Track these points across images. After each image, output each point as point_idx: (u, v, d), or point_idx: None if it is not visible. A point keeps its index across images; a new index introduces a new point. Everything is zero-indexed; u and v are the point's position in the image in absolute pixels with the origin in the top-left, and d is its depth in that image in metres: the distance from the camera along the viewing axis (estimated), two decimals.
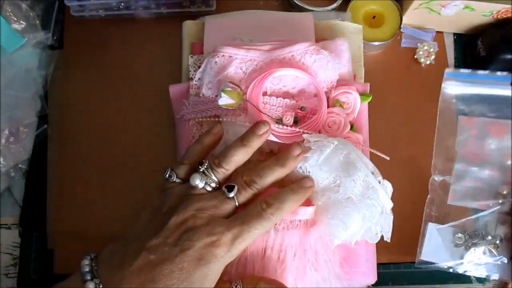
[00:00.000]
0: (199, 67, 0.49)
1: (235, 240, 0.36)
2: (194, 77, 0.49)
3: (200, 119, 0.47)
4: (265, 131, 0.40)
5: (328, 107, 0.46)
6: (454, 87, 0.49)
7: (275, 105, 0.46)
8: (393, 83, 0.59)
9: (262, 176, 0.39)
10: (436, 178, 0.47)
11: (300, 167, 0.41)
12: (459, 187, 0.46)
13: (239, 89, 0.44)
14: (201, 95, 0.48)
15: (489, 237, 0.44)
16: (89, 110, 0.57)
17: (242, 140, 0.40)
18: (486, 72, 0.46)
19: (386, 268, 0.53)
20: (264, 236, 0.42)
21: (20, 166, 0.56)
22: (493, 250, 0.44)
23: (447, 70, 0.48)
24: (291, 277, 0.41)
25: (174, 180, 0.39)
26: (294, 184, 0.40)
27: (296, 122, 0.46)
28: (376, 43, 0.59)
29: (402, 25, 0.60)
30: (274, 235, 0.41)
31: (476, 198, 0.46)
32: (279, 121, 0.46)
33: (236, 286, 0.38)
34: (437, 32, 0.62)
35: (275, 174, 0.39)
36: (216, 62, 0.47)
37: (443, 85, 0.49)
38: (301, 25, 0.51)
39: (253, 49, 0.47)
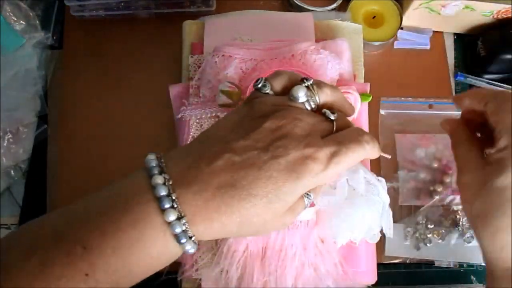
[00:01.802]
0: (199, 67, 0.49)
1: (332, 158, 0.32)
2: (194, 77, 0.49)
3: (200, 119, 0.47)
4: None
5: None
6: (388, 111, 0.58)
7: None
8: (393, 83, 0.59)
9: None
10: (387, 185, 0.54)
11: None
12: (405, 190, 0.55)
13: (237, 89, 0.44)
14: (201, 95, 0.48)
15: (431, 226, 0.53)
16: (89, 110, 0.57)
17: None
18: (410, 98, 0.58)
19: (386, 268, 0.53)
20: (265, 236, 0.42)
21: (20, 166, 0.56)
22: (436, 237, 0.53)
23: (382, 98, 0.57)
24: (291, 276, 0.41)
25: (267, 91, 0.35)
26: None
27: None
28: (376, 43, 0.59)
29: (401, 26, 0.60)
30: (275, 235, 0.42)
31: (418, 197, 0.55)
32: None
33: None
34: (437, 32, 0.62)
35: None
36: (216, 61, 0.47)
37: (380, 110, 0.57)
38: (301, 25, 0.51)
39: (253, 49, 0.47)
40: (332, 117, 0.34)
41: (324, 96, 0.35)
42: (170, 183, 0.30)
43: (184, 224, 0.29)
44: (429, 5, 0.57)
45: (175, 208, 0.29)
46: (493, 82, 0.60)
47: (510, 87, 0.60)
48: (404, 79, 0.60)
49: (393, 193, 0.55)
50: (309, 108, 0.35)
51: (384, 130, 0.57)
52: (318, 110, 0.35)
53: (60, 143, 0.56)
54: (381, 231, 0.43)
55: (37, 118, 0.57)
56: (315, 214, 0.43)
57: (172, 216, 0.29)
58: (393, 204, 0.55)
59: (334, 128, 0.34)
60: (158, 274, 0.47)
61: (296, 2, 0.59)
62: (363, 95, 0.48)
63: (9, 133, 0.55)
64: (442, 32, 0.63)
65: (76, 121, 0.57)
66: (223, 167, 0.31)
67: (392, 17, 0.60)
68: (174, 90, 0.51)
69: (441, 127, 0.42)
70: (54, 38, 0.60)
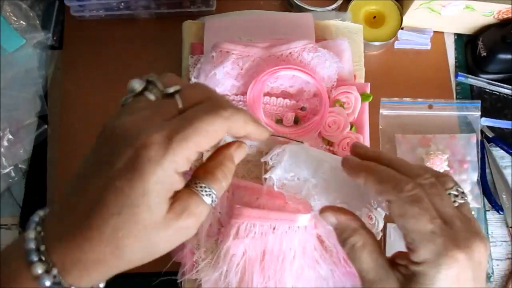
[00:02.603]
0: None
1: (172, 137, 0.27)
2: (193, 74, 0.49)
3: None
4: None
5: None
6: (389, 111, 0.58)
7: (275, 105, 0.46)
8: (394, 83, 0.59)
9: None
10: None
11: (274, 183, 0.41)
12: None
13: None
14: None
15: None
16: (89, 110, 0.57)
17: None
18: (410, 98, 0.57)
19: None
20: (263, 240, 0.42)
21: (20, 166, 0.56)
22: None
23: (382, 99, 0.57)
24: (290, 278, 0.41)
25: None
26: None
27: (296, 122, 0.46)
28: (376, 43, 0.59)
29: (401, 26, 0.60)
30: (273, 239, 0.42)
31: None
32: (279, 121, 0.46)
33: (195, 184, 0.30)
34: (438, 32, 0.62)
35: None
36: (213, 56, 0.47)
37: (380, 110, 0.57)
38: (301, 25, 0.51)
39: (251, 45, 0.47)
40: (171, 90, 0.30)
41: (168, 81, 0.31)
42: (42, 234, 0.28)
43: (55, 276, 0.27)
44: (430, 5, 0.57)
45: (43, 261, 0.27)
46: (493, 82, 0.60)
47: (510, 87, 0.60)
48: (404, 79, 0.60)
49: None
50: (153, 97, 0.31)
51: (384, 130, 0.57)
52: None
53: (60, 143, 0.56)
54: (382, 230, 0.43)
55: (37, 118, 0.57)
56: (314, 218, 0.43)
57: (39, 269, 0.26)
58: None
59: (180, 105, 0.30)
60: (156, 274, 0.48)
61: (296, 2, 0.59)
62: (363, 95, 0.48)
63: (9, 133, 0.55)
64: (442, 32, 0.63)
65: (76, 121, 0.57)
66: (77, 201, 0.28)
67: (393, 17, 0.60)
68: None
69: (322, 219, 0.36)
70: (54, 38, 0.60)
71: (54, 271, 0.27)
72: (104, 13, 0.60)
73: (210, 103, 0.30)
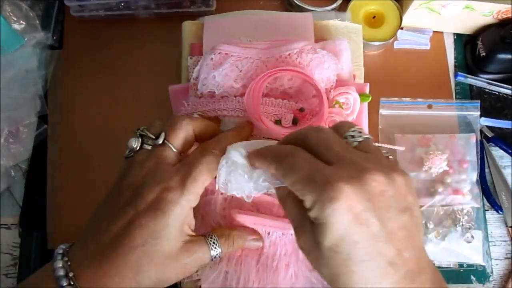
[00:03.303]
0: None
1: (185, 180, 0.35)
2: (192, 76, 0.49)
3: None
4: None
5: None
6: (388, 111, 0.58)
7: (274, 106, 0.46)
8: (393, 83, 0.59)
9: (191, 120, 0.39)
10: None
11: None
12: None
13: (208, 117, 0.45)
14: (199, 93, 0.48)
15: (431, 226, 0.53)
16: (89, 110, 0.57)
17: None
18: (410, 98, 0.57)
19: None
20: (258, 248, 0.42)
21: (20, 166, 0.56)
22: (436, 237, 0.53)
23: (382, 99, 0.57)
24: (284, 283, 0.42)
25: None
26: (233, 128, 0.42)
27: (295, 123, 0.46)
28: (376, 43, 0.59)
29: (401, 26, 0.60)
30: (268, 244, 0.42)
31: (418, 197, 0.53)
32: (278, 122, 0.46)
33: (210, 238, 0.38)
34: (437, 32, 0.62)
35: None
36: (212, 58, 0.47)
37: (380, 110, 0.57)
38: (300, 25, 0.51)
39: (249, 47, 0.47)
40: (160, 141, 0.37)
41: (158, 128, 0.38)
42: (69, 263, 0.33)
43: None
44: (429, 5, 0.57)
45: (72, 285, 0.32)
46: (493, 82, 0.60)
47: (510, 87, 0.60)
48: (404, 79, 0.60)
49: None
50: (150, 148, 0.38)
51: (384, 130, 0.57)
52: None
53: (60, 143, 0.56)
54: None
55: (37, 118, 0.57)
56: None
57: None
58: None
59: (174, 149, 0.37)
60: None
61: (296, 2, 0.59)
62: (362, 95, 0.48)
63: (9, 133, 0.55)
64: (442, 32, 0.63)
65: (76, 121, 0.57)
66: (101, 237, 0.34)
67: (392, 17, 0.60)
68: (173, 90, 0.51)
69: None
70: (54, 38, 0.60)
71: None
72: (104, 13, 0.60)
73: (203, 146, 0.38)
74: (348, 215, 0.28)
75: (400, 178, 0.31)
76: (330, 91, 0.47)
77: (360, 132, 0.33)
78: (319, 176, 0.29)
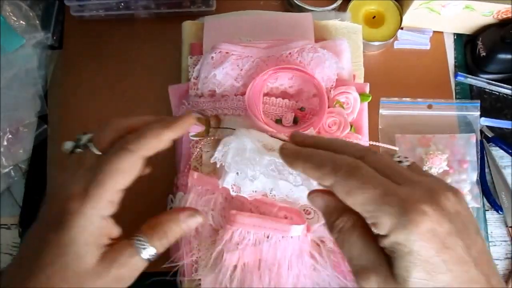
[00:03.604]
0: None
1: (88, 186, 0.31)
2: (193, 75, 0.49)
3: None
4: None
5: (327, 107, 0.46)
6: (388, 111, 0.58)
7: (274, 105, 0.46)
8: (393, 83, 0.59)
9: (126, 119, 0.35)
10: None
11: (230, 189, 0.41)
12: None
13: (204, 116, 0.45)
14: (199, 92, 0.48)
15: None
16: (89, 110, 0.57)
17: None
18: (410, 98, 0.57)
19: None
20: (258, 248, 0.42)
21: (20, 166, 0.56)
22: None
23: (382, 99, 0.57)
24: (288, 286, 0.41)
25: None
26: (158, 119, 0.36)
27: (296, 122, 0.46)
28: (376, 43, 0.59)
29: (401, 26, 0.60)
30: (267, 247, 0.42)
31: None
32: (278, 121, 0.46)
33: (137, 239, 0.33)
34: (437, 32, 0.62)
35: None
36: (212, 57, 0.47)
37: (380, 110, 0.57)
38: (300, 25, 0.51)
39: (250, 46, 0.47)
40: (83, 141, 0.34)
41: (102, 133, 0.34)
42: None
43: None
44: (429, 5, 0.57)
45: None
46: (493, 82, 0.60)
47: (510, 87, 0.60)
48: (404, 79, 0.60)
49: None
50: (82, 149, 0.34)
51: (384, 130, 0.57)
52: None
53: (60, 143, 0.56)
54: None
55: (37, 118, 0.57)
56: (306, 228, 0.43)
57: None
58: None
59: (96, 151, 0.33)
60: (149, 274, 0.48)
61: (296, 2, 0.59)
62: (362, 95, 0.48)
63: (9, 133, 0.55)
64: (442, 32, 0.63)
65: (76, 121, 0.57)
66: (24, 256, 0.32)
67: (392, 17, 0.60)
68: (173, 90, 0.51)
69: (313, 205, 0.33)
70: (54, 38, 0.60)
71: None
72: (104, 13, 0.60)
73: (119, 143, 0.33)
74: (435, 240, 0.25)
75: (462, 196, 0.28)
76: (330, 91, 0.47)
77: (405, 157, 0.31)
78: (395, 196, 0.26)
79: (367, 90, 0.49)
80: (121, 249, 0.32)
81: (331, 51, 0.48)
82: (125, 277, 0.32)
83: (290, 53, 0.46)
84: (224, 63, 0.46)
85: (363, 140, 0.47)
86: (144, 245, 0.33)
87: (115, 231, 0.33)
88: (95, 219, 0.31)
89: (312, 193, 0.32)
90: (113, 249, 0.32)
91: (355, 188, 0.27)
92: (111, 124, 0.35)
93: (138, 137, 0.33)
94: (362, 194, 0.27)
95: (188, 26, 0.53)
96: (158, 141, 0.34)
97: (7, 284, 0.30)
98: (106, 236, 0.32)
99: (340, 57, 0.49)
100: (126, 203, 0.53)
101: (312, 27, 0.51)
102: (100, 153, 0.33)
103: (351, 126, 0.47)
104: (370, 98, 0.49)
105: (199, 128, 0.45)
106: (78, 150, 0.34)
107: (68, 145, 0.35)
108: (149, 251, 0.33)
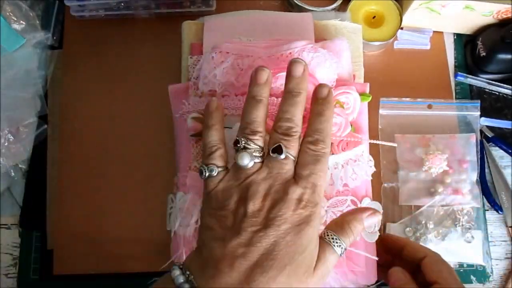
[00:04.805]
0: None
1: (314, 191, 0.35)
2: (193, 75, 0.49)
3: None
4: (267, 76, 0.39)
5: None
6: (388, 111, 0.58)
7: (275, 105, 0.46)
8: (393, 83, 0.59)
9: (294, 118, 0.37)
10: (386, 185, 0.56)
11: None
12: (405, 190, 0.55)
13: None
14: (199, 92, 0.48)
15: (431, 226, 0.53)
16: (89, 110, 0.57)
17: (253, 97, 0.38)
18: (409, 98, 0.57)
19: None
20: None
21: (20, 166, 0.56)
22: (436, 237, 0.53)
23: (382, 99, 0.57)
24: None
25: (216, 173, 0.37)
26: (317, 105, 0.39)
27: None
28: (376, 43, 0.59)
29: (401, 26, 0.60)
30: None
31: (418, 197, 0.55)
32: None
33: (328, 236, 0.36)
34: (437, 32, 0.62)
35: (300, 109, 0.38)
36: (213, 57, 0.47)
37: (380, 110, 0.58)
38: (300, 25, 0.51)
39: (251, 46, 0.47)
40: (282, 157, 0.35)
41: (260, 138, 0.37)
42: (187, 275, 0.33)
43: None
44: (429, 5, 0.57)
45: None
46: (493, 82, 0.60)
47: (510, 87, 0.60)
48: (404, 79, 0.60)
49: (393, 193, 0.55)
50: (259, 160, 0.36)
51: (384, 130, 0.57)
52: (264, 150, 0.37)
53: (60, 143, 0.56)
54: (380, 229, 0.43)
55: (37, 118, 0.57)
56: None
57: None
58: (393, 204, 0.55)
59: (293, 158, 0.36)
60: (150, 274, 0.48)
61: (296, 2, 0.59)
62: (362, 95, 0.48)
63: (9, 133, 0.55)
64: (442, 32, 0.63)
65: (76, 121, 0.57)
66: (243, 267, 0.32)
67: (392, 17, 0.60)
68: (173, 90, 0.51)
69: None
70: (54, 38, 0.60)
71: None
72: (104, 13, 0.60)
73: (307, 149, 0.37)
74: None
75: None
76: None
77: None
78: None
79: (367, 90, 0.49)
80: (323, 247, 0.35)
81: (331, 51, 0.48)
82: (326, 274, 0.35)
83: (290, 53, 0.46)
84: (224, 62, 0.46)
85: (364, 139, 0.47)
86: (337, 240, 0.36)
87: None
88: (320, 220, 0.36)
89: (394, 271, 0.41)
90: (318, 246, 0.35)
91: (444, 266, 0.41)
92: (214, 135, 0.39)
93: (326, 137, 0.37)
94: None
95: (188, 26, 0.53)
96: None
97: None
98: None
99: (340, 57, 0.49)
100: (127, 203, 0.54)
101: (312, 27, 0.51)
102: (293, 158, 0.37)
103: (351, 126, 0.47)
104: (370, 98, 0.49)
105: (199, 128, 0.45)
106: (255, 160, 0.36)
107: (247, 159, 0.36)
108: (342, 246, 0.36)
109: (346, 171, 0.45)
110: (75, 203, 0.54)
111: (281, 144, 0.36)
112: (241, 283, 0.32)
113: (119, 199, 0.54)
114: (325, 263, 0.35)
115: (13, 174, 0.55)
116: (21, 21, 0.58)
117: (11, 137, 0.55)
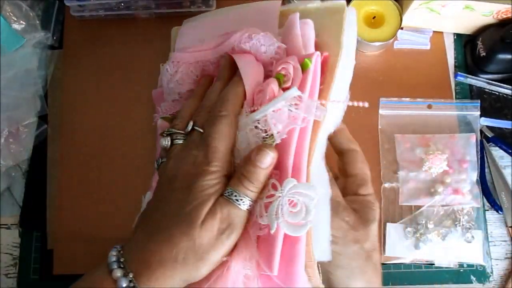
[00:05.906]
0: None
1: (207, 153, 0.36)
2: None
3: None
4: None
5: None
6: (388, 111, 0.58)
7: None
8: (393, 83, 0.59)
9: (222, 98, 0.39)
10: (386, 185, 0.56)
11: None
12: (405, 190, 0.55)
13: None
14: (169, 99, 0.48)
15: (431, 226, 0.53)
16: (89, 110, 0.58)
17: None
18: (409, 98, 0.58)
19: (386, 268, 0.53)
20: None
21: (20, 166, 0.56)
22: (436, 237, 0.53)
23: (381, 99, 0.57)
24: None
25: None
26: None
27: None
28: (376, 44, 0.59)
29: (401, 26, 0.60)
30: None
31: (418, 197, 0.55)
32: None
33: (227, 192, 0.35)
34: (437, 32, 0.62)
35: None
36: (167, 69, 0.47)
37: (379, 110, 0.58)
38: (264, 14, 0.48)
39: (197, 51, 0.47)
40: (189, 128, 0.38)
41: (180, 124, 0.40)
42: (121, 252, 0.34)
43: (130, 281, 0.32)
44: (429, 5, 0.57)
45: (122, 268, 0.33)
46: (493, 82, 0.60)
47: (510, 87, 0.60)
48: (404, 79, 0.60)
49: (393, 193, 0.55)
50: (181, 142, 0.39)
51: (384, 130, 0.57)
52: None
53: (60, 143, 0.56)
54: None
55: (37, 118, 0.57)
56: None
57: (118, 273, 0.32)
58: (393, 204, 0.55)
59: (200, 130, 0.38)
60: None
61: None
62: (302, 63, 0.40)
63: (9, 133, 0.55)
64: (442, 32, 0.63)
65: (76, 121, 0.57)
66: (153, 225, 0.35)
67: (392, 17, 0.60)
68: (155, 94, 0.51)
69: None
70: (54, 38, 0.60)
71: (130, 275, 0.32)
72: (104, 13, 0.60)
73: (212, 115, 0.38)
74: None
75: None
76: (271, 70, 0.42)
77: None
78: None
79: (314, 58, 0.40)
80: (219, 203, 0.35)
81: (286, 31, 0.43)
82: (218, 227, 0.34)
83: (233, 48, 0.46)
84: (178, 73, 0.46)
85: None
86: (235, 195, 0.35)
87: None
88: (219, 176, 0.35)
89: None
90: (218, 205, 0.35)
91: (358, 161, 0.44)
92: (185, 109, 0.41)
93: (223, 102, 0.38)
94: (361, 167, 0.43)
95: (174, 32, 0.53)
96: (239, 97, 0.39)
97: (129, 252, 0.34)
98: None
99: (288, 33, 0.43)
100: (127, 203, 0.53)
101: (277, 14, 0.47)
102: (202, 130, 0.38)
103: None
104: (310, 64, 0.40)
105: (166, 127, 0.45)
106: (177, 141, 0.39)
107: (166, 140, 0.39)
108: (243, 200, 0.35)
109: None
110: (75, 203, 0.54)
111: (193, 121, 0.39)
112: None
113: (119, 198, 0.54)
114: (214, 216, 0.34)
115: (13, 174, 0.55)
116: (21, 21, 0.58)
117: (11, 137, 0.55)
